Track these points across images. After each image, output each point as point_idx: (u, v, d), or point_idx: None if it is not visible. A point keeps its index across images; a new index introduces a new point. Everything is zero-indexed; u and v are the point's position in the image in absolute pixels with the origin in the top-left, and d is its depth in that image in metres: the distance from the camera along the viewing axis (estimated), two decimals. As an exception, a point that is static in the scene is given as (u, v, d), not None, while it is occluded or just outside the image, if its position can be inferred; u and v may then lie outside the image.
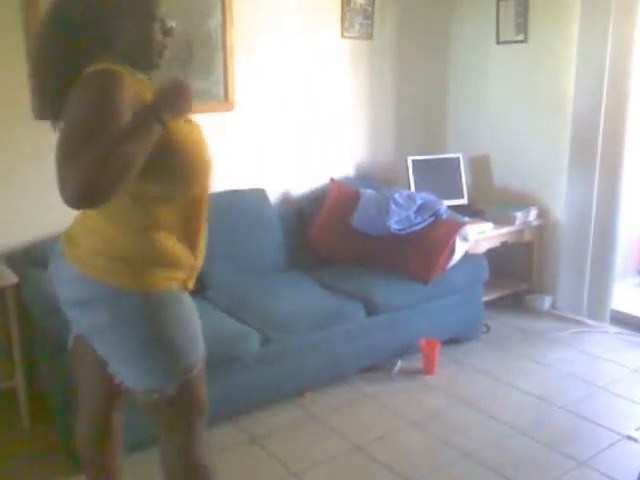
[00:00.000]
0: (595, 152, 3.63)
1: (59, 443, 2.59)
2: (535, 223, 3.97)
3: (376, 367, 3.23)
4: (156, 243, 1.58)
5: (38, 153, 2.91)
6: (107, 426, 1.92)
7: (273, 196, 3.61)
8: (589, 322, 3.81)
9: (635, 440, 2.65)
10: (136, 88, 1.48)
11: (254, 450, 2.61)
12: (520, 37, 3.93)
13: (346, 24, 3.78)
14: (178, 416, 1.70)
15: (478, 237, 3.62)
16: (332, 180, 3.72)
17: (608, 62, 3.50)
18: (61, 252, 1.69)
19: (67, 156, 1.33)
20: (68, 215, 2.97)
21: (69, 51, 1.51)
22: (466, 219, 3.53)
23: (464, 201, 4.04)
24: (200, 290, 3.16)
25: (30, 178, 2.90)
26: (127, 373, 1.63)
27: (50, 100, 1.56)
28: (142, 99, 1.47)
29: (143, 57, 1.59)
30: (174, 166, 1.55)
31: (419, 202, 3.39)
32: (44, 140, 2.90)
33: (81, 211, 1.62)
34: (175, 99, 1.47)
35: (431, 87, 4.34)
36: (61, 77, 1.50)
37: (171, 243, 1.62)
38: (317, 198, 3.68)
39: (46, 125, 3.04)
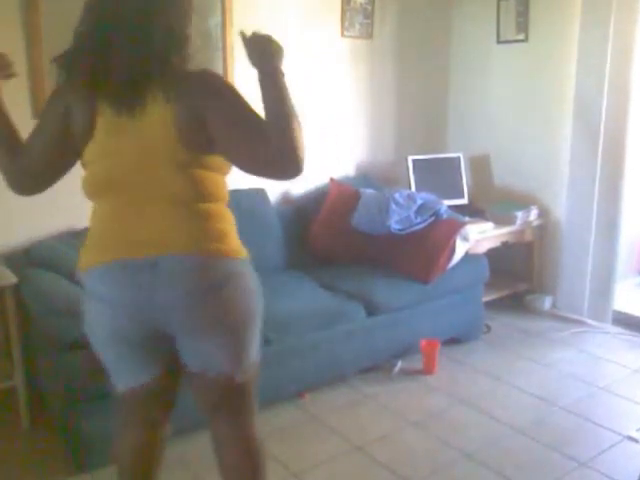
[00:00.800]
0: (596, 151, 3.63)
1: (59, 443, 2.58)
2: (536, 223, 3.97)
3: (376, 367, 3.23)
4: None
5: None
6: (156, 439, 1.85)
7: (273, 196, 3.60)
8: (590, 322, 3.80)
9: (636, 441, 2.64)
10: None
11: (254, 451, 2.61)
12: (521, 36, 3.92)
13: (346, 23, 3.77)
14: (247, 398, 1.72)
15: (478, 237, 3.62)
16: (332, 180, 3.71)
17: (609, 61, 3.49)
18: (150, 258, 1.52)
19: (261, 131, 1.47)
20: (66, 215, 3.00)
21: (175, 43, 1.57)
22: (466, 219, 3.52)
23: (464, 201, 4.03)
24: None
25: (29, 178, 2.90)
26: (223, 358, 1.61)
27: (140, 89, 1.51)
28: None
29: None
30: None
31: (419, 202, 3.38)
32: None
33: (158, 210, 1.54)
34: (268, 47, 1.61)
35: (431, 86, 4.34)
36: (159, 71, 1.52)
37: None
38: (317, 198, 3.67)
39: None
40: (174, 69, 1.55)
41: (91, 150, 1.56)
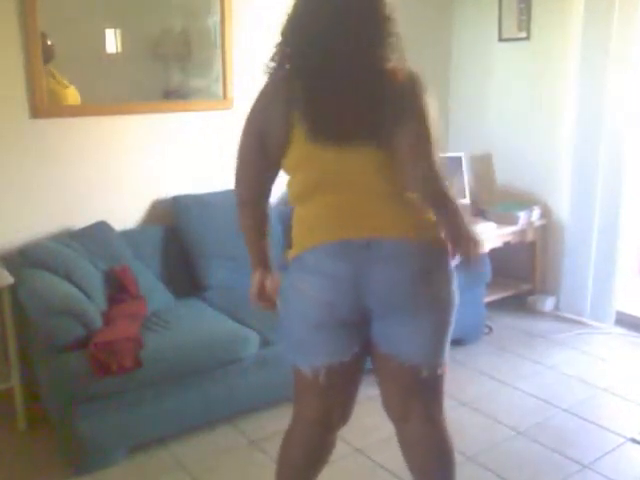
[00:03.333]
0: (598, 151, 3.60)
1: (56, 445, 2.57)
2: (538, 223, 3.94)
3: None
4: None
5: (34, 152, 2.89)
6: (329, 440, 1.87)
7: (273, 196, 3.55)
8: (592, 323, 3.78)
9: (639, 443, 2.61)
10: None
11: (254, 454, 2.58)
12: (523, 34, 3.90)
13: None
14: (440, 388, 1.76)
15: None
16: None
17: (611, 60, 3.47)
18: (370, 240, 1.62)
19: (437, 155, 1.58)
20: (63, 216, 2.98)
21: None
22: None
23: (466, 201, 4.01)
24: (198, 291, 3.14)
25: (26, 178, 2.88)
26: (425, 348, 1.68)
27: None
28: None
29: None
30: None
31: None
32: (40, 139, 2.91)
33: (379, 198, 1.64)
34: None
35: (432, 85, 4.29)
36: None
37: None
38: (317, 198, 3.64)
39: (42, 124, 3.02)
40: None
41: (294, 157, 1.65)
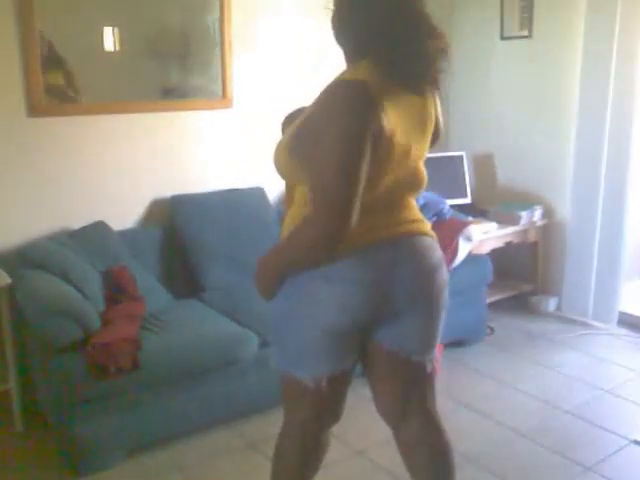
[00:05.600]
0: (601, 149, 3.58)
1: (53, 447, 2.55)
2: (540, 223, 3.92)
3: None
4: None
5: (31, 151, 2.87)
6: (325, 442, 1.86)
7: (272, 195, 3.55)
8: (595, 324, 3.75)
9: (643, 445, 2.60)
10: None
11: (252, 456, 2.56)
12: (525, 32, 3.88)
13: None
14: (434, 385, 1.79)
15: (482, 237, 3.58)
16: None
17: (615, 58, 3.45)
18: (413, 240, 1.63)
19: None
20: (61, 216, 2.96)
21: None
22: (470, 219, 3.48)
23: (468, 200, 3.99)
24: (197, 291, 3.12)
25: (23, 177, 2.86)
26: (427, 341, 1.72)
27: None
28: None
29: None
30: None
31: (422, 201, 3.33)
32: (37, 138, 2.89)
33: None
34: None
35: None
36: None
37: None
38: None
39: (39, 123, 3.00)
40: None
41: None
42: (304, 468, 1.84)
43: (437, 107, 1.70)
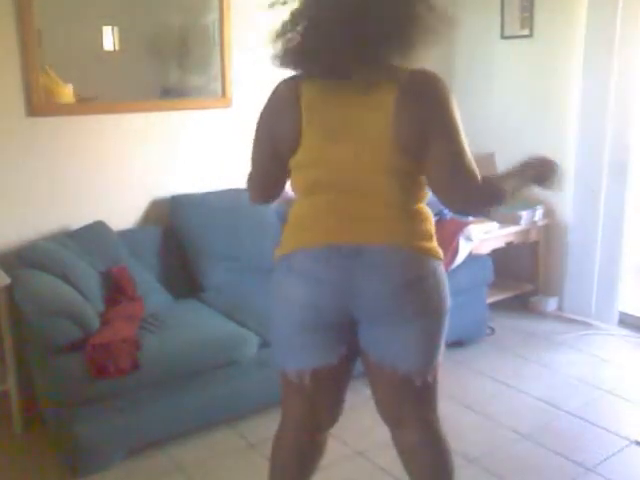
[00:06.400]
0: (602, 149, 3.58)
1: (52, 448, 2.55)
2: (541, 223, 3.91)
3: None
4: None
5: (30, 151, 2.87)
6: (318, 444, 1.86)
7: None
8: (596, 324, 3.75)
9: (644, 446, 2.59)
10: None
11: (253, 456, 2.56)
12: (525, 32, 3.87)
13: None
14: (433, 393, 1.73)
15: (483, 237, 3.57)
16: (333, 179, 3.65)
17: (615, 57, 3.44)
18: (359, 247, 1.60)
19: (470, 179, 1.70)
20: (59, 216, 2.96)
21: None
22: (470, 219, 3.47)
23: (468, 200, 3.97)
24: (197, 291, 3.11)
25: (22, 177, 2.86)
26: (417, 356, 1.66)
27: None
28: None
29: None
30: None
31: (422, 201, 3.33)
32: (37, 138, 2.88)
33: (386, 204, 1.63)
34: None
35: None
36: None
37: None
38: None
39: (38, 123, 2.99)
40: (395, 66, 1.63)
41: (302, 155, 1.63)
42: (299, 469, 1.83)
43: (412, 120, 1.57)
